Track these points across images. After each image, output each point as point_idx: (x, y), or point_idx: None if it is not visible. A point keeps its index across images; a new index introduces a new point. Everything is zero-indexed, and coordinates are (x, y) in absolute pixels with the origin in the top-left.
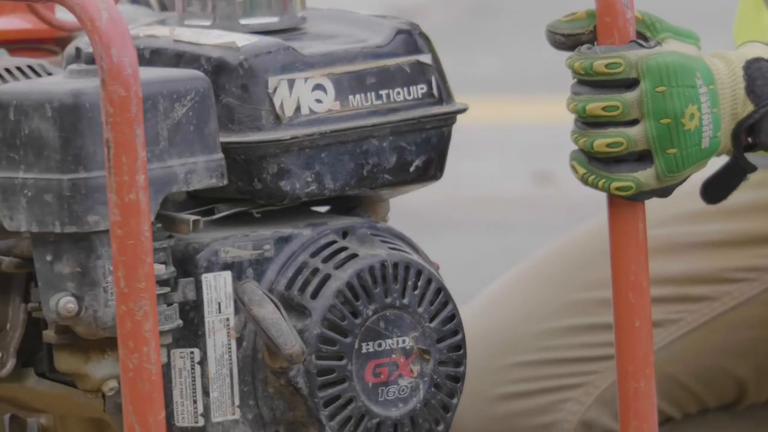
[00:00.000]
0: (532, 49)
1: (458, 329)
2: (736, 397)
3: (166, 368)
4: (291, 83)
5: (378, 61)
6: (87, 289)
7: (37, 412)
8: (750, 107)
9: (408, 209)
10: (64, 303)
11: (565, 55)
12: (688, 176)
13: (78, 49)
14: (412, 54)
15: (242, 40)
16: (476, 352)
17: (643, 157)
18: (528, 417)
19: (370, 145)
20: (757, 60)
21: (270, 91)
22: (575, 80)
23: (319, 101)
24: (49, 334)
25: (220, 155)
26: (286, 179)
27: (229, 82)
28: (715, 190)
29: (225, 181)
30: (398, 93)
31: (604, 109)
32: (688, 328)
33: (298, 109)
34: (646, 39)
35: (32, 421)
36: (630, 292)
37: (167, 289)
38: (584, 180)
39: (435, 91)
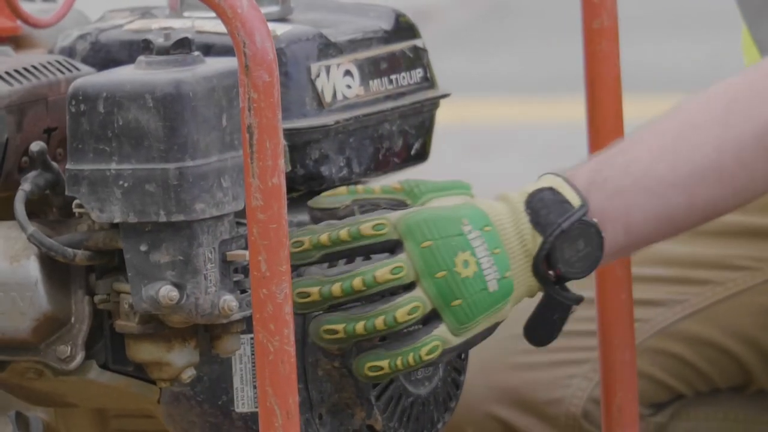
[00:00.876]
0: (549, 49)
1: None
2: (743, 380)
3: None
4: (327, 69)
5: (388, 47)
6: (189, 277)
7: (64, 406)
8: (539, 239)
9: None
10: (166, 291)
11: (580, 53)
12: (492, 324)
13: (147, 41)
14: (411, 39)
15: (278, 28)
16: None
17: (431, 318)
18: (536, 390)
19: (384, 130)
20: (540, 191)
21: (313, 77)
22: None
23: (349, 87)
24: (127, 325)
25: (284, 141)
26: (326, 164)
27: None
28: (540, 330)
29: (289, 167)
30: (403, 78)
31: (392, 271)
32: (692, 309)
33: (334, 95)
34: (407, 207)
35: (34, 417)
36: (617, 267)
37: (242, 276)
38: (394, 370)
39: (428, 76)
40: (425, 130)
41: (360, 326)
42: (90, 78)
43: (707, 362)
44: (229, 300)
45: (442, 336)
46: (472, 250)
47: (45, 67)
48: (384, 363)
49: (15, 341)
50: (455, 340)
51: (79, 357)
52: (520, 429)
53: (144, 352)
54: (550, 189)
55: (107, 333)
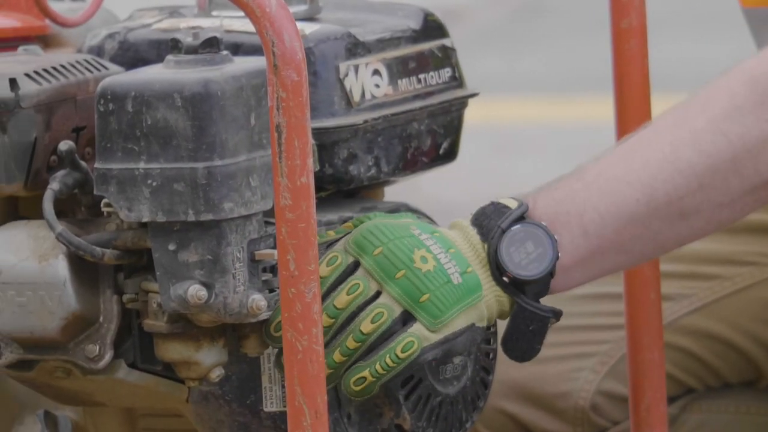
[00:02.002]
0: (578, 49)
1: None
2: (753, 375)
3: None
4: (356, 68)
5: (416, 46)
6: (218, 276)
7: (92, 405)
8: (486, 245)
9: (450, 207)
10: (195, 291)
11: (609, 52)
12: (472, 321)
13: (176, 40)
14: (439, 38)
15: (306, 27)
16: None
17: (406, 320)
18: (544, 384)
19: (412, 129)
20: (482, 208)
21: (341, 76)
22: None
23: (377, 86)
24: (155, 324)
25: (312, 141)
26: (354, 164)
27: None
28: (520, 343)
29: (317, 167)
30: (431, 77)
31: (348, 292)
32: (699, 303)
33: (363, 94)
34: None
35: (62, 416)
36: (646, 267)
37: (270, 275)
38: (376, 376)
39: (457, 75)
40: (454, 129)
41: (337, 354)
42: (118, 77)
43: (715, 356)
44: (258, 299)
45: (417, 333)
46: (427, 247)
47: (73, 66)
48: (365, 373)
49: (43, 340)
50: (433, 337)
51: (108, 356)
52: (528, 423)
53: (172, 351)
54: (492, 203)
55: (136, 332)
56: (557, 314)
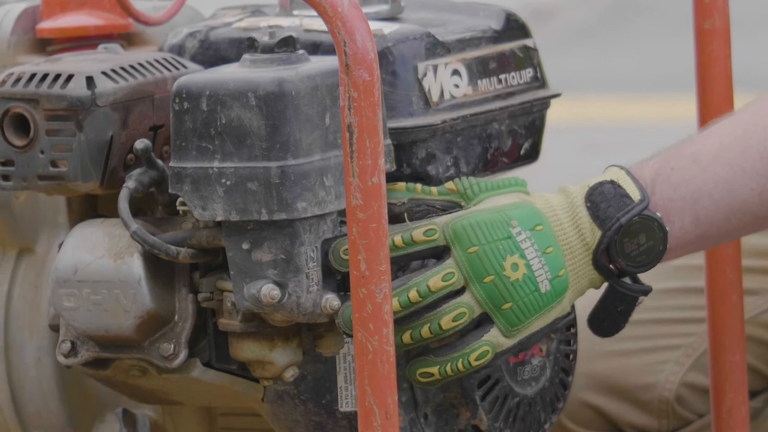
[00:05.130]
0: (669, 47)
1: (571, 309)
2: None
3: None
4: (435, 69)
5: (497, 46)
6: (291, 275)
7: (169, 404)
8: (598, 233)
9: None
10: (268, 290)
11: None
12: (551, 321)
13: (252, 39)
14: (521, 39)
15: (385, 27)
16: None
17: (483, 321)
18: (629, 376)
19: (492, 129)
20: (600, 184)
21: (420, 76)
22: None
23: (456, 86)
24: (230, 323)
25: (389, 141)
26: (432, 164)
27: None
28: (605, 322)
29: (393, 167)
30: (513, 77)
31: (443, 278)
32: None
33: (441, 94)
34: (462, 208)
35: (141, 415)
36: (727, 267)
37: (339, 276)
38: (444, 376)
39: (539, 75)
40: (535, 129)
41: (407, 336)
42: (193, 76)
43: None
44: (332, 299)
45: (492, 341)
46: (521, 252)
47: (151, 64)
48: (434, 369)
49: (119, 339)
50: (507, 342)
51: (183, 355)
52: (613, 415)
53: (247, 350)
54: (611, 182)
55: (211, 331)
56: (646, 293)
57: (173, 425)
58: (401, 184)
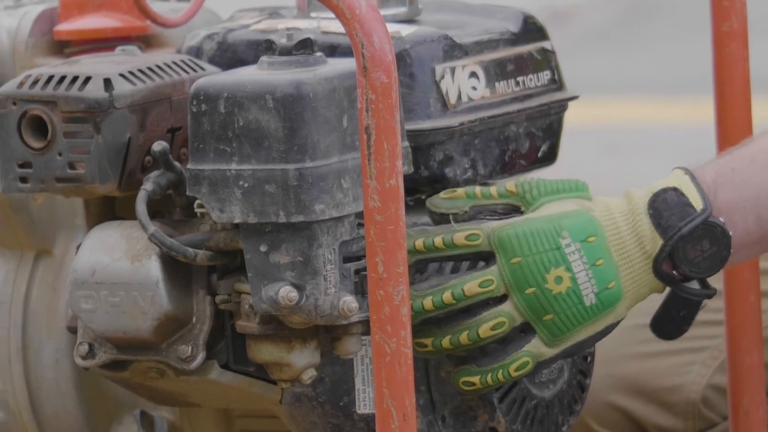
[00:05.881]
0: (687, 49)
1: None
2: None
3: None
4: (452, 71)
5: (515, 49)
6: (309, 278)
7: (187, 406)
8: (660, 241)
9: None
10: (286, 292)
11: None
12: (601, 329)
13: (270, 41)
14: (538, 41)
15: (403, 29)
16: None
17: (525, 330)
18: (655, 378)
19: (510, 132)
20: (664, 191)
21: (437, 79)
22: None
23: (474, 88)
24: (248, 325)
25: (406, 143)
26: (450, 166)
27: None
28: (668, 325)
29: (411, 169)
30: (530, 79)
31: (480, 285)
32: None
33: (459, 96)
34: (521, 213)
35: (159, 416)
36: (745, 268)
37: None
38: (486, 386)
39: (557, 78)
40: (553, 132)
41: (446, 341)
42: (211, 78)
43: None
44: (349, 301)
45: (533, 351)
46: (568, 264)
47: (169, 66)
48: (475, 379)
49: (136, 340)
50: (550, 352)
51: (200, 357)
52: (639, 417)
53: (264, 352)
54: (675, 189)
55: (228, 333)
56: (710, 296)
57: (191, 427)
58: (460, 191)
